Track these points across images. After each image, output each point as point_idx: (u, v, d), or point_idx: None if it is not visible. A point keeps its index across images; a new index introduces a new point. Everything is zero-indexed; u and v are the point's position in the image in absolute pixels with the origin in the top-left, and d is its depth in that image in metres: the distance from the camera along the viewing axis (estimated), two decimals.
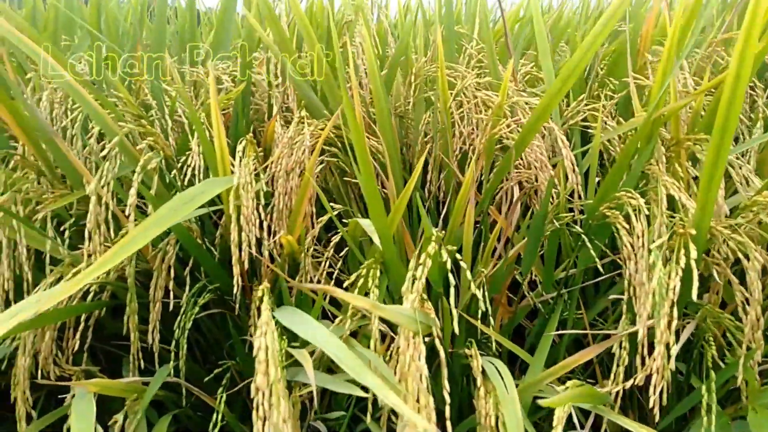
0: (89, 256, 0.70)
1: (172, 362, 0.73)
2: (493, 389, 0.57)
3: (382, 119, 0.83)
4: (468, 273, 0.57)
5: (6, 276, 0.67)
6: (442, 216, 0.94)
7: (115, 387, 0.65)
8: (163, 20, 1.01)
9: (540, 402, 0.54)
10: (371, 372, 0.44)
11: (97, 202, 0.66)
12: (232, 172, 0.71)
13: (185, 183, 0.81)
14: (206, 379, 0.77)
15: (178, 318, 0.74)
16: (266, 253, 0.78)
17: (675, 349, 0.58)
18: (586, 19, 1.71)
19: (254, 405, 0.52)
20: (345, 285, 0.66)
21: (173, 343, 0.74)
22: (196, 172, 0.78)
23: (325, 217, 0.79)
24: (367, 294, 0.63)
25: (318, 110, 0.89)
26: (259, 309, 0.54)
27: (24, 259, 0.69)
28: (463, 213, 0.75)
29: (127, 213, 0.68)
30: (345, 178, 0.92)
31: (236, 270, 0.66)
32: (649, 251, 0.63)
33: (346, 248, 0.83)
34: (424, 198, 0.97)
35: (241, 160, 0.71)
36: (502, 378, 0.59)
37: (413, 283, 0.49)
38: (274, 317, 0.55)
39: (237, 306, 0.80)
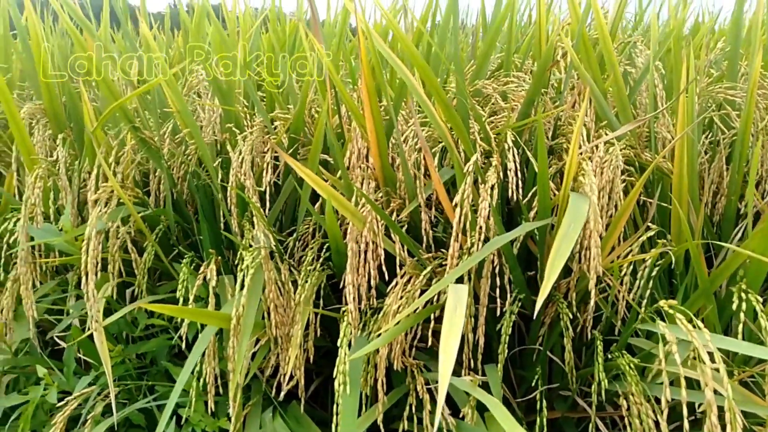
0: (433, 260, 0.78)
1: (498, 364, 0.79)
2: None
3: (692, 154, 0.85)
4: None
5: (372, 274, 0.76)
6: None
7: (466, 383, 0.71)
8: (445, 37, 1.11)
9: None
10: None
11: (460, 212, 0.73)
12: None
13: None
14: (533, 383, 0.81)
15: (502, 322, 0.80)
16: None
17: None
18: None
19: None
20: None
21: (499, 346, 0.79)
22: (512, 186, 0.84)
23: (645, 236, 0.81)
24: None
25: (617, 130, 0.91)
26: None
27: (381, 258, 0.78)
28: None
29: (479, 225, 0.74)
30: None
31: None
32: None
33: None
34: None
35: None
36: None
37: None
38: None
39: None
